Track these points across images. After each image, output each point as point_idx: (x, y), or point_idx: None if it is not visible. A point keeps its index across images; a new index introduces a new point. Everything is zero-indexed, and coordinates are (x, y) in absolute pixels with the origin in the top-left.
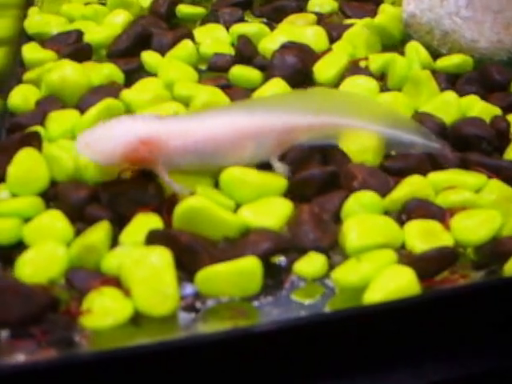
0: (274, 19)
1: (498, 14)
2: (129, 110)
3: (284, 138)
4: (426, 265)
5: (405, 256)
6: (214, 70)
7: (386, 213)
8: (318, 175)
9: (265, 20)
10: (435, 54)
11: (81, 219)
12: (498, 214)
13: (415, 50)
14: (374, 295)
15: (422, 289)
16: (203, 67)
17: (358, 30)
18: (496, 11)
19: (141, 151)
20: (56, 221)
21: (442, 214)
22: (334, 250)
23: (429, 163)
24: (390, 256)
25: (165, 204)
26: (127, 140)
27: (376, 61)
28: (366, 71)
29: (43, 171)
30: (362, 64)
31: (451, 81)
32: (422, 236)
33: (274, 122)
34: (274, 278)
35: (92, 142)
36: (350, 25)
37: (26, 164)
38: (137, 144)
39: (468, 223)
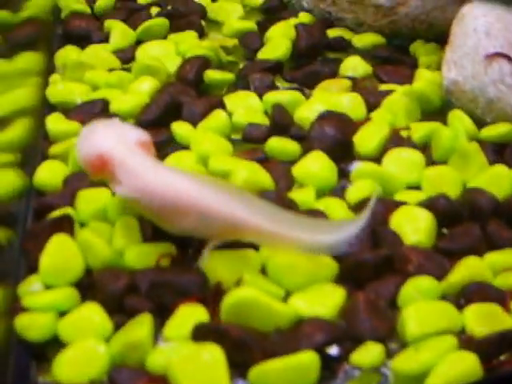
0: (306, 84)
1: None
2: None
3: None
4: (488, 349)
5: (465, 341)
6: (248, 141)
7: (444, 297)
8: (371, 259)
9: (296, 85)
10: (479, 123)
11: (119, 311)
12: None
13: (459, 120)
14: (436, 382)
15: (485, 373)
16: (237, 137)
17: (398, 97)
18: None
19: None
20: (94, 314)
21: (501, 297)
22: (391, 338)
23: (485, 242)
24: (451, 342)
25: (210, 293)
26: (89, 150)
27: (418, 130)
28: (408, 142)
29: (77, 259)
30: (404, 134)
31: (498, 151)
32: (482, 320)
33: (223, 208)
34: (328, 368)
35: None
36: (388, 91)
37: (59, 252)
38: (95, 156)
39: None
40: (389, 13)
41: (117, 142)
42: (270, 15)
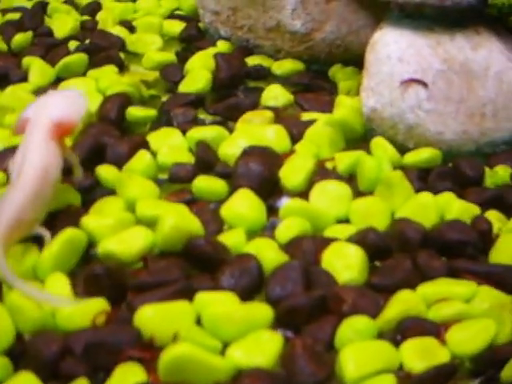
0: (228, 117)
1: (461, 104)
2: (91, 241)
3: None
4: None
5: (403, 378)
6: (175, 182)
7: (380, 334)
8: (305, 302)
9: (219, 119)
10: (401, 149)
11: (55, 377)
12: (492, 323)
13: (382, 148)
14: None
15: None
16: (164, 176)
17: (320, 127)
18: (458, 101)
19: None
20: None
21: (436, 330)
22: (331, 382)
23: (416, 274)
24: (390, 381)
25: (146, 351)
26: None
27: (343, 161)
28: (334, 174)
29: (7, 325)
30: (329, 165)
31: (423, 177)
32: (419, 355)
33: None
34: None
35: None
36: (310, 121)
37: None
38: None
39: (463, 336)
40: (305, 39)
41: (41, 113)
42: (189, 44)
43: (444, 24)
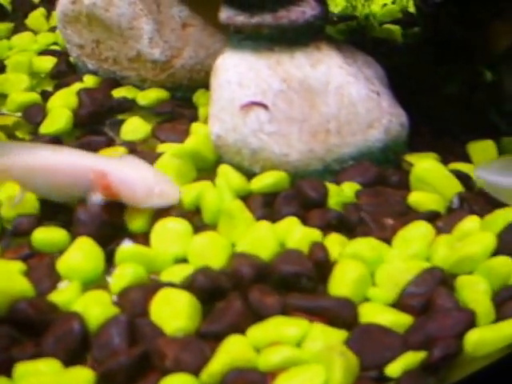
0: None
1: (304, 123)
2: None
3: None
4: None
5: None
6: (17, 235)
7: None
8: (124, 362)
9: None
10: (249, 175)
11: None
12: (321, 369)
13: (225, 176)
14: None
15: None
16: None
17: (168, 159)
18: (301, 120)
19: None
20: None
21: (263, 381)
22: None
23: (249, 315)
24: None
25: None
26: None
27: (189, 193)
28: (177, 209)
29: None
30: None
31: (269, 202)
32: None
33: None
34: None
35: None
36: (161, 153)
37: None
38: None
39: None
40: (165, 66)
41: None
42: (59, 81)
43: (283, 43)
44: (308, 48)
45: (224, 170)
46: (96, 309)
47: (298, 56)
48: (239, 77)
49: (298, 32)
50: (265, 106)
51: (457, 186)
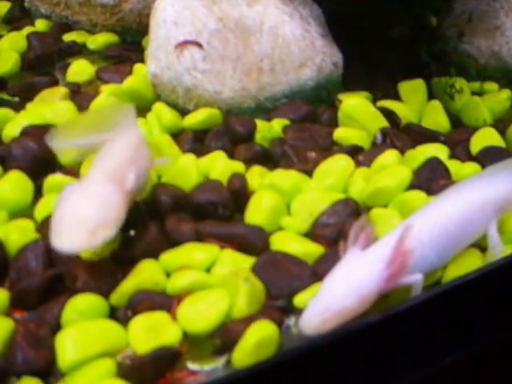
0: (27, 98)
1: (238, 62)
2: None
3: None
4: (145, 371)
5: (131, 359)
6: None
7: (114, 311)
8: (36, 283)
9: (18, 100)
10: (184, 112)
11: None
12: (225, 294)
13: (158, 113)
14: None
15: None
16: None
17: (104, 98)
18: (235, 59)
19: None
20: None
21: (168, 304)
22: (53, 368)
23: (164, 242)
24: (108, 366)
25: None
26: None
27: None
28: None
29: None
30: None
31: (199, 138)
32: (145, 334)
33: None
34: None
35: None
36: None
37: None
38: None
39: (193, 310)
40: (115, 10)
41: None
42: (12, 25)
43: None
44: None
45: (157, 107)
46: (15, 234)
47: None
48: (175, 16)
49: None
50: (199, 45)
51: (382, 122)
